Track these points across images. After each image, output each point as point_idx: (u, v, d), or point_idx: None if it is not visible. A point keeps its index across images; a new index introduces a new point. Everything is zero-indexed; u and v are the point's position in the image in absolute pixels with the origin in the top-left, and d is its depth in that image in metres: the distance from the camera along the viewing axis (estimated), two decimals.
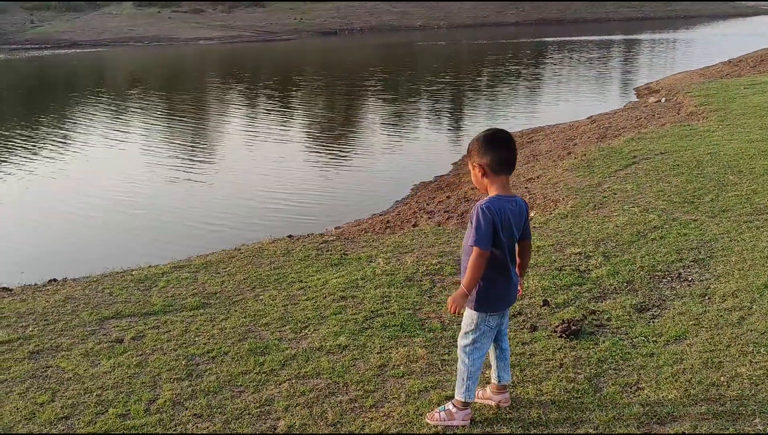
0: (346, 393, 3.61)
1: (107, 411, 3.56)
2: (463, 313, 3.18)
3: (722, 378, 3.47)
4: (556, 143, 12.98)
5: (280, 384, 3.75)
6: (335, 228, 8.14)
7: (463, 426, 3.22)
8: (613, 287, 4.87)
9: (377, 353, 4.04)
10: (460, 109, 19.77)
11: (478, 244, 2.99)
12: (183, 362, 4.07)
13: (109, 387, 3.82)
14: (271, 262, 5.95)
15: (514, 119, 17.06)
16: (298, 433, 3.28)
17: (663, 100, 16.06)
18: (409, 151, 13.98)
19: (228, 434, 3.31)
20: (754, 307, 4.30)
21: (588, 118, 16.09)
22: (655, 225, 6.16)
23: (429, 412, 3.33)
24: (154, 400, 3.66)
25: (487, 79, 25.84)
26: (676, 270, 5.09)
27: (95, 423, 3.46)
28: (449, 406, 3.29)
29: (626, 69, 28.96)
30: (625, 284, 4.90)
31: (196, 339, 4.40)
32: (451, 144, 14.80)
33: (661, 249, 5.53)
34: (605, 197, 7.39)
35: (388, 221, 8.70)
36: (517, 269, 3.24)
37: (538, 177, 9.43)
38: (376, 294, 4.97)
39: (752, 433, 3.00)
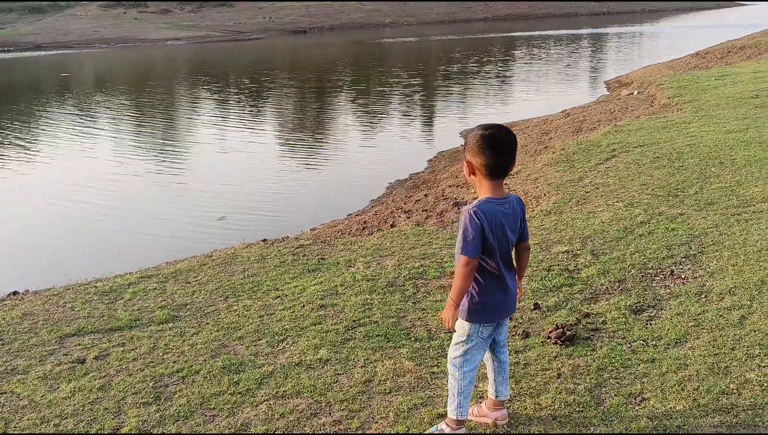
0: (330, 414, 3.31)
1: None
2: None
3: (731, 385, 3.23)
4: (531, 138, 12.79)
5: (257, 406, 3.43)
6: (311, 230, 7.82)
7: None
8: (604, 287, 4.63)
9: (361, 367, 3.74)
10: (432, 106, 19.52)
11: (465, 252, 2.71)
12: (150, 384, 3.72)
13: (69, 415, 3.47)
14: (244, 269, 5.62)
15: (485, 114, 16.88)
16: None
17: (636, 92, 15.97)
18: (382, 149, 13.69)
19: None
20: (754, 305, 4.08)
21: (562, 111, 15.94)
22: (641, 220, 5.94)
23: (421, 433, 3.04)
24: (118, 428, 3.32)
25: (458, 75, 25.61)
26: (668, 267, 4.87)
27: None
28: (442, 426, 3.00)
29: (595, 63, 29.00)
30: (617, 284, 4.66)
31: (165, 357, 4.06)
32: (425, 141, 14.54)
33: (650, 245, 5.31)
34: (588, 192, 7.17)
35: (365, 222, 8.40)
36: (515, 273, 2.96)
37: (516, 173, 9.19)
38: (357, 301, 4.66)
39: None
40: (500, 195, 2.80)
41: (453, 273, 5.10)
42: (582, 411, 3.15)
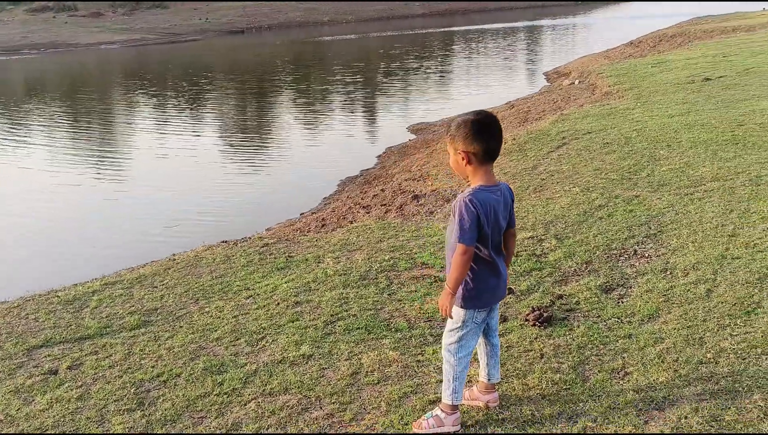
0: (321, 408, 3.30)
1: None
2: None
3: (708, 355, 3.36)
4: None
5: (245, 404, 3.39)
6: (266, 230, 7.74)
7: (454, 431, 2.97)
8: (573, 270, 4.74)
9: (346, 360, 3.74)
10: (376, 103, 19.53)
11: (462, 240, 2.74)
12: (131, 390, 3.64)
13: (49, 427, 3.36)
14: (211, 270, 5.53)
15: (429, 109, 16.99)
16: None
17: (577, 82, 16.36)
18: (329, 148, 13.64)
19: None
20: (718, 278, 4.25)
21: (506, 103, 16.22)
22: (599, 204, 6.10)
23: (415, 420, 3.06)
24: None
25: (399, 71, 25.73)
26: (631, 247, 5.02)
27: None
28: (437, 411, 3.03)
29: (533, 55, 29.53)
30: (585, 265, 4.78)
31: (142, 362, 3.97)
32: (372, 138, 14.56)
33: (611, 227, 5.46)
34: (543, 179, 7.31)
35: (323, 219, 8.37)
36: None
37: None
38: (333, 296, 4.65)
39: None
40: (492, 182, 2.84)
41: (424, 263, 5.17)
42: (569, 389, 3.23)
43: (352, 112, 17.93)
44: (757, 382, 3.06)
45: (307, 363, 3.76)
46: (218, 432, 3.17)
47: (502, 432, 2.94)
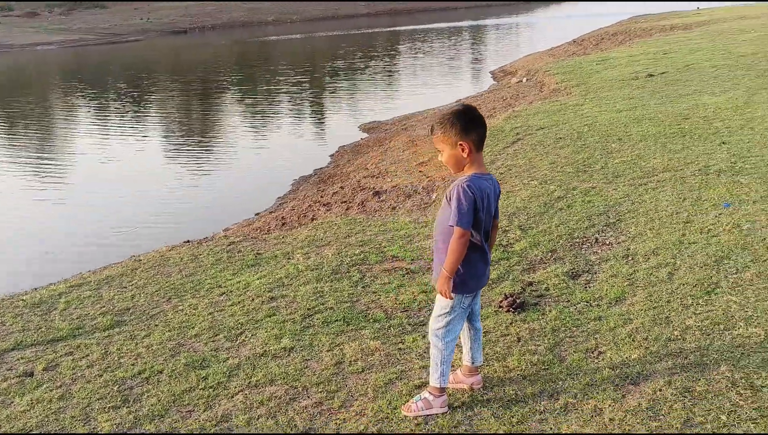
0: (309, 397, 3.37)
1: None
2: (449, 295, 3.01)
3: (675, 332, 3.56)
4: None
5: (232, 397, 3.44)
6: (223, 230, 7.73)
7: (442, 413, 3.09)
8: (539, 258, 4.92)
9: (328, 351, 3.82)
10: (325, 103, 19.54)
11: (460, 223, 2.85)
12: (114, 388, 3.64)
13: (33, 427, 3.34)
14: (180, 269, 5.52)
15: (378, 109, 17.11)
16: None
17: (524, 80, 16.73)
18: (280, 148, 13.59)
19: None
20: (677, 262, 4.48)
21: (456, 101, 16.47)
22: (558, 195, 6.32)
23: (404, 404, 3.17)
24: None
25: (346, 71, 25.81)
26: (593, 235, 5.23)
27: None
28: (425, 394, 3.14)
29: (478, 54, 29.99)
30: (550, 254, 4.97)
31: (121, 361, 3.96)
32: (323, 137, 14.58)
33: (572, 217, 5.67)
34: (502, 173, 7.51)
35: (283, 217, 8.40)
36: None
37: (429, 160, 9.47)
38: (307, 290, 4.72)
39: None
40: (485, 170, 2.97)
41: (394, 256, 5.28)
42: (548, 368, 3.38)
43: (301, 113, 17.91)
44: (723, 356, 3.28)
45: (289, 355, 3.82)
46: (208, 424, 3.21)
47: (489, 412, 3.07)
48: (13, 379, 3.88)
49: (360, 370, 3.57)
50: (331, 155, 12.59)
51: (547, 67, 17.37)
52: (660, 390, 3.05)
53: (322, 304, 4.46)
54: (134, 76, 27.41)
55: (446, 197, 2.97)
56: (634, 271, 4.45)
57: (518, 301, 4.14)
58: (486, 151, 8.78)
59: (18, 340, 4.40)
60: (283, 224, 8.15)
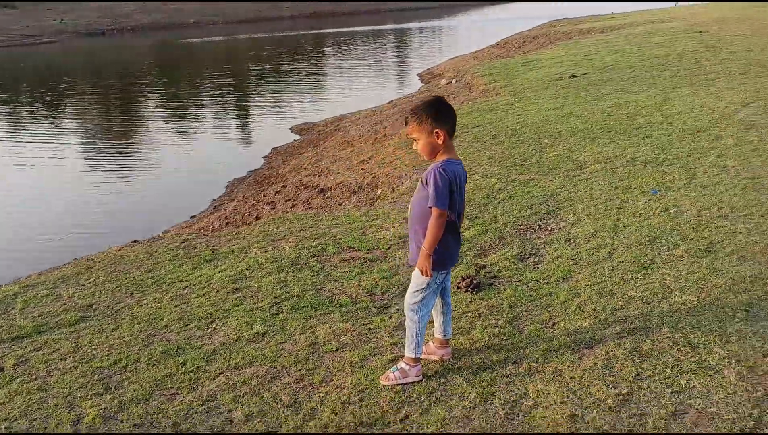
0: (289, 375, 3.57)
1: None
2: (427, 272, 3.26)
3: (620, 302, 3.96)
4: (365, 128, 13.42)
5: (214, 378, 3.61)
6: (163, 232, 7.78)
7: (418, 381, 3.35)
8: (488, 244, 5.26)
9: (300, 334, 4.03)
10: (254, 104, 19.48)
11: (438, 204, 3.12)
12: (93, 377, 3.73)
13: (17, 417, 3.41)
14: (138, 266, 5.59)
15: (306, 111, 17.27)
16: (258, 420, 3.19)
17: (454, 81, 17.25)
18: (211, 151, 13.55)
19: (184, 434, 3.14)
20: (615, 243, 4.91)
21: (388, 102, 16.85)
22: (499, 187, 6.70)
23: (382, 375, 3.42)
24: (78, 420, 3.34)
25: (274, 73, 25.81)
26: (535, 222, 5.62)
27: None
28: (401, 365, 3.40)
29: (404, 57, 30.54)
30: (498, 240, 5.32)
31: (95, 352, 4.05)
32: (254, 139, 14.56)
33: (514, 206, 6.06)
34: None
35: (226, 217, 8.52)
36: None
37: (370, 157, 9.75)
38: (271, 280, 4.90)
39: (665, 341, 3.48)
40: (455, 156, 3.25)
41: (351, 247, 5.52)
42: (509, 339, 3.70)
43: (229, 116, 17.84)
44: (663, 320, 3.68)
45: (263, 340, 4.01)
46: (195, 404, 3.37)
47: (461, 379, 3.36)
48: None
49: (334, 349, 3.79)
50: (265, 157, 12.68)
51: (474, 68, 17.95)
52: (611, 351, 3.42)
53: (288, 292, 4.66)
54: (50, 80, 26.51)
55: (422, 181, 3.24)
56: (577, 252, 4.85)
57: (474, 282, 4.46)
58: None
59: None
60: (227, 223, 8.26)
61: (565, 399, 3.08)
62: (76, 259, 6.49)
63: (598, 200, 5.92)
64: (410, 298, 3.36)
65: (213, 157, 12.99)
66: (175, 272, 5.35)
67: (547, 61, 16.96)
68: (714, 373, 3.16)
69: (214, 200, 10.13)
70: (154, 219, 8.87)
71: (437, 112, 3.19)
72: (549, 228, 5.47)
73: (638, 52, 16.55)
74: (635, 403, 2.99)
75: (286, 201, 8.96)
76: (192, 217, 9.21)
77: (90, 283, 5.32)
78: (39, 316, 4.73)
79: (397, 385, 3.34)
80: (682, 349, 3.38)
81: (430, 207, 3.15)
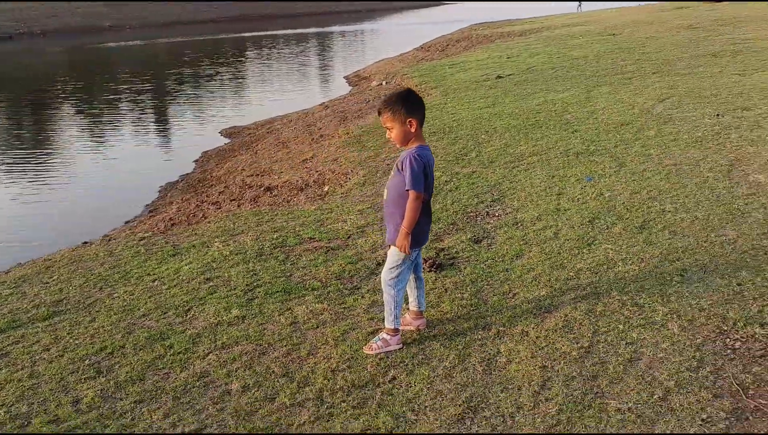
0: (276, 350, 3.83)
1: (31, 422, 3.33)
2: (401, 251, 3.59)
3: (570, 273, 4.40)
4: (299, 129, 13.67)
5: (204, 357, 3.83)
6: (103, 236, 7.79)
7: (399, 349, 3.68)
8: (443, 230, 5.64)
9: (279, 315, 4.28)
10: (178, 110, 19.14)
11: (414, 187, 3.45)
12: (82, 363, 3.88)
13: (14, 402, 3.54)
14: (101, 263, 5.69)
15: (236, 114, 17.30)
16: (255, 389, 3.44)
17: (384, 83, 17.69)
18: (136, 157, 13.33)
19: (188, 403, 3.35)
20: (559, 224, 5.38)
21: (320, 104, 17.11)
22: (444, 179, 7.11)
23: (365, 345, 3.73)
24: (77, 401, 3.50)
25: (195, 78, 25.61)
26: (483, 209, 6.05)
27: None
28: (383, 335, 3.72)
29: (328, 60, 30.84)
30: (451, 226, 5.71)
31: (77, 342, 4.18)
32: (182, 144, 14.32)
33: (462, 196, 6.47)
34: (388, 164, 8.22)
35: (171, 219, 8.57)
36: None
37: (312, 157, 10.01)
38: (240, 271, 5.12)
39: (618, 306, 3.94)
40: (425, 143, 3.59)
41: (311, 238, 5.80)
42: (476, 309, 4.08)
43: (154, 121, 17.55)
44: (611, 286, 4.14)
45: (243, 322, 4.24)
46: (191, 380, 3.59)
47: (438, 344, 3.71)
48: None
49: (315, 326, 4.08)
50: (196, 160, 12.65)
51: (404, 71, 18.46)
52: (569, 314, 3.85)
53: (259, 280, 4.90)
54: None
55: (397, 167, 3.57)
56: (525, 233, 5.30)
57: (437, 262, 4.83)
58: (368, 146, 9.50)
59: None
60: (173, 224, 8.34)
61: (535, 354, 3.47)
62: (33, 260, 6.43)
63: (539, 188, 6.41)
64: (387, 275, 3.68)
65: (141, 164, 12.81)
66: (140, 267, 5.49)
67: (473, 63, 17.64)
68: (660, 326, 3.62)
69: (147, 205, 10.07)
70: (84, 228, 8.58)
71: (410, 103, 3.52)
72: (496, 214, 5.90)
73: (558, 53, 17.44)
74: (596, 354, 3.42)
75: (231, 200, 9.09)
76: (126, 222, 9.13)
77: (54, 280, 5.39)
78: (8, 312, 4.79)
79: (380, 353, 3.66)
80: (630, 308, 3.84)
81: (407, 190, 3.47)
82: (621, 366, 3.29)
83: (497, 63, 17.06)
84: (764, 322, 3.58)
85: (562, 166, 7.02)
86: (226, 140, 14.43)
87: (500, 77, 14.52)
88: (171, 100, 20.89)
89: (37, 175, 11.99)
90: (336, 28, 48.20)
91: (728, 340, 3.45)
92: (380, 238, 5.55)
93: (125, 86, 23.56)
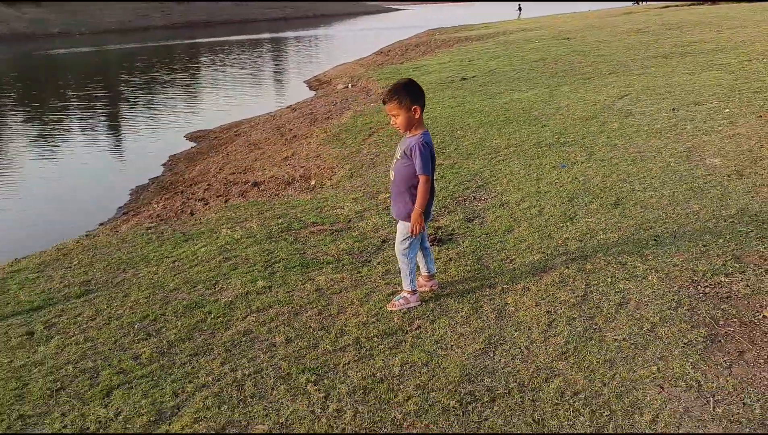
0: (308, 311, 4.36)
1: (99, 374, 3.79)
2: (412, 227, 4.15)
3: (558, 242, 5.05)
4: (269, 132, 14.15)
5: (243, 319, 4.32)
6: (86, 234, 8.11)
7: (418, 305, 4.25)
8: (436, 212, 6.23)
9: (303, 284, 4.81)
10: (136, 116, 19.24)
11: (425, 172, 4.01)
12: (131, 329, 4.33)
13: (77, 360, 3.98)
14: (117, 249, 6.11)
15: (197, 119, 17.59)
16: (298, 341, 3.96)
17: (350, 86, 18.27)
18: (98, 163, 13.54)
19: (238, 353, 3.86)
20: (542, 203, 6.04)
21: (287, 107, 17.59)
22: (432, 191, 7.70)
23: (388, 303, 4.29)
24: (137, 357, 3.96)
25: (151, 84, 25.75)
26: (471, 194, 6.67)
27: (97, 386, 3.69)
28: (403, 294, 4.29)
29: (285, 65, 31.27)
30: (444, 209, 6.31)
31: (119, 313, 4.62)
32: (145, 148, 14.58)
33: (448, 184, 7.08)
34: (371, 159, 8.80)
35: (158, 215, 8.97)
36: None
37: (293, 154, 10.51)
38: (255, 250, 5.62)
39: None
40: (426, 128, 4.16)
41: (314, 223, 6.32)
42: (480, 273, 4.68)
43: (114, 128, 17.64)
44: (596, 250, 4.80)
45: (271, 291, 4.75)
46: (236, 337, 4.08)
47: (452, 300, 4.29)
48: (17, 338, 4.37)
49: (338, 292, 4.62)
50: (164, 164, 12.93)
51: (368, 74, 19.07)
52: (563, 272, 4.48)
53: (275, 257, 5.40)
54: None
55: (405, 153, 4.09)
56: (512, 212, 5.93)
57: (437, 237, 5.42)
58: (348, 143, 10.06)
59: None
60: (162, 221, 8.74)
61: (538, 303, 4.09)
62: (45, 249, 6.67)
63: (518, 174, 7.06)
64: (400, 246, 4.24)
65: (106, 168, 13.05)
66: (157, 251, 5.93)
67: (436, 67, 18.36)
68: (641, 278, 4.28)
69: (120, 208, 10.35)
70: (51, 231, 8.73)
71: (413, 92, 4.09)
72: (483, 198, 6.53)
73: (517, 56, 18.29)
74: (591, 301, 4.05)
75: (217, 196, 9.52)
76: (101, 224, 9.34)
77: (75, 265, 5.79)
78: (41, 292, 5.19)
79: (403, 308, 4.22)
80: (615, 266, 4.50)
81: (419, 175, 4.01)
82: (613, 308, 3.93)
83: (459, 66, 17.80)
84: (728, 273, 4.27)
85: (537, 156, 7.70)
86: (192, 144, 14.75)
87: (465, 79, 15.24)
88: (130, 106, 20.99)
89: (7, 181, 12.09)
90: (290, 34, 48.63)
91: (699, 286, 4.13)
92: (380, 221, 6.11)
93: (81, 93, 23.58)
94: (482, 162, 7.79)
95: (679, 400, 3.07)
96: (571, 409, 3.06)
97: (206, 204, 9.24)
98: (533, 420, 3.02)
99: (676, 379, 3.21)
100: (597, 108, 9.95)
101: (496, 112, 10.58)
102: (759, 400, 3.02)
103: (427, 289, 4.47)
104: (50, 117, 19.40)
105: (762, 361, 3.32)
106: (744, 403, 3.01)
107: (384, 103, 4.19)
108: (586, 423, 2.97)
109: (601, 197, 6.01)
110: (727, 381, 3.17)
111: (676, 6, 33.16)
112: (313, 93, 20.61)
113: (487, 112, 10.73)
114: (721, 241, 4.77)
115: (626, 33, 21.07)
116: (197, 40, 44.94)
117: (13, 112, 20.60)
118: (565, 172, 6.95)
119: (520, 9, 52.18)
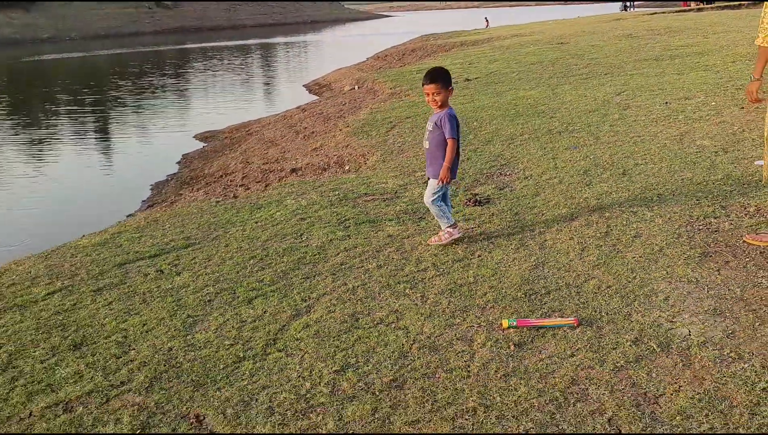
0: (387, 249, 5.64)
1: (236, 291, 5.04)
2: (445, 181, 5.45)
3: (580, 200, 6.38)
4: (282, 130, 15.39)
5: (336, 256, 5.59)
6: (127, 216, 9.24)
7: (460, 236, 5.55)
8: (470, 183, 7.54)
9: (375, 233, 6.09)
10: (141, 119, 20.32)
11: (453, 135, 5.33)
12: (248, 263, 5.58)
13: (213, 283, 5.22)
14: (200, 216, 7.33)
15: (201, 121, 18.61)
16: (386, 267, 5.24)
17: (356, 87, 19.58)
18: (113, 162, 14.53)
19: (351, 264, 5.13)
20: (561, 175, 7.37)
21: (297, 107, 18.82)
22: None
23: (436, 237, 5.59)
24: (261, 280, 5.20)
25: (146, 89, 26.78)
26: (497, 171, 7.99)
27: (238, 298, 4.93)
28: (446, 229, 5.56)
29: (281, 70, 32.53)
30: (475, 181, 7.63)
31: (228, 256, 5.86)
32: (155, 149, 15.57)
33: (475, 163, 8.40)
34: (399, 146, 10.11)
35: (201, 200, 10.16)
36: None
37: (321, 146, 11.78)
38: (326, 212, 6.89)
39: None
40: (450, 105, 5.48)
41: (366, 194, 7.60)
42: (518, 223, 6.00)
43: (120, 130, 18.69)
44: (612, 204, 6.14)
45: (350, 238, 6.02)
46: (336, 265, 5.35)
47: (483, 238, 5.60)
48: (151, 274, 5.61)
49: (407, 236, 5.91)
50: (178, 162, 13.97)
51: (373, 76, 20.40)
52: (588, 218, 5.82)
53: (345, 217, 6.68)
54: None
55: (435, 124, 5.39)
56: (537, 182, 7.26)
57: (477, 199, 6.73)
58: (373, 134, 11.36)
59: (117, 261, 6.02)
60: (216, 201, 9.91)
61: (572, 237, 5.42)
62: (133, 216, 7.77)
63: (536, 155, 8.41)
64: (429, 198, 5.54)
65: (122, 167, 14.11)
66: (237, 216, 7.17)
67: None
68: (650, 221, 5.63)
69: (144, 201, 11.37)
70: (76, 224, 9.17)
71: (449, 77, 5.41)
72: (508, 173, 7.85)
73: (515, 60, 19.72)
74: (612, 235, 5.39)
75: (257, 182, 10.72)
76: (128, 215, 10.27)
77: (169, 227, 7.02)
78: (151, 245, 6.41)
79: (449, 240, 5.52)
80: (628, 214, 5.84)
81: (448, 139, 5.32)
82: (629, 239, 5.27)
83: (461, 68, 19.18)
84: (716, 216, 5.63)
85: (550, 141, 9.05)
86: (203, 144, 15.87)
87: (468, 80, 16.61)
88: (134, 109, 21.97)
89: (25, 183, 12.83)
90: (280, 39, 49.99)
91: (694, 225, 5.48)
92: (423, 191, 7.40)
93: (74, 97, 24.56)
94: (501, 146, 9.13)
95: (683, 288, 4.40)
96: (606, 295, 4.39)
97: (247, 189, 10.42)
98: (579, 303, 4.33)
99: (680, 277, 4.55)
100: (598, 102, 11.34)
101: (506, 108, 11.94)
102: (739, 287, 4.36)
103: (460, 235, 5.76)
104: (57, 120, 20.44)
105: (741, 266, 4.67)
106: (729, 289, 4.35)
107: (427, 83, 5.43)
108: (618, 304, 4.29)
109: (611, 169, 7.36)
110: (717, 277, 4.52)
111: (664, 13, 34.97)
112: (313, 96, 21.84)
113: (497, 107, 12.09)
114: (710, 196, 6.14)
115: (618, 38, 22.60)
116: (188, 46, 46.11)
117: (9, 118, 21.60)
118: (576, 152, 8.30)
119: (487, 20, 55.45)
